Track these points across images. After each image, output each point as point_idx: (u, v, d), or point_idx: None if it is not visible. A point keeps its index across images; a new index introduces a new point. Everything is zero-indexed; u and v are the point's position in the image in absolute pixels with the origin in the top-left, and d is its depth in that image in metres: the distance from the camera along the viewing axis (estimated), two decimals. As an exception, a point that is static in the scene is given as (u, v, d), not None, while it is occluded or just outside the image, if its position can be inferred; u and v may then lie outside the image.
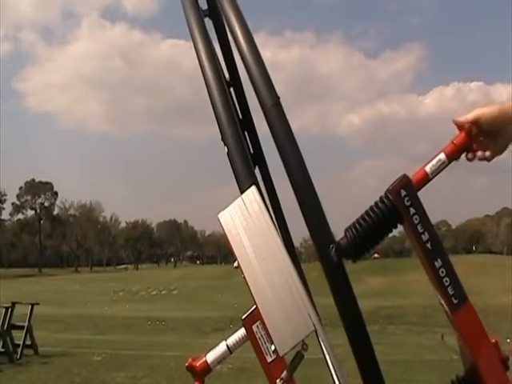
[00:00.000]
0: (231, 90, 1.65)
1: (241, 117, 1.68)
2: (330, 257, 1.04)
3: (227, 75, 1.66)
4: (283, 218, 1.77)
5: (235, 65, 1.66)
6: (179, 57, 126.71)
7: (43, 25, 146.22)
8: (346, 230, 1.07)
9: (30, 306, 10.89)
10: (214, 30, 1.57)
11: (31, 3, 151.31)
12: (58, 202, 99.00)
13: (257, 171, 1.67)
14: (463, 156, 1.12)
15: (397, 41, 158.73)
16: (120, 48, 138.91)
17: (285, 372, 0.97)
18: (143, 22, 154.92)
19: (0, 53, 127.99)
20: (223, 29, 1.59)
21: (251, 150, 1.69)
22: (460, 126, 1.12)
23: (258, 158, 1.72)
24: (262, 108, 1.15)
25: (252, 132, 1.72)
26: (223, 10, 1.28)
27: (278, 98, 1.15)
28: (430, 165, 1.09)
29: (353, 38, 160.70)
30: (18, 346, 10.01)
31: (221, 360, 1.07)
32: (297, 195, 1.09)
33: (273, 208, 1.72)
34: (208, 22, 1.49)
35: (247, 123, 1.71)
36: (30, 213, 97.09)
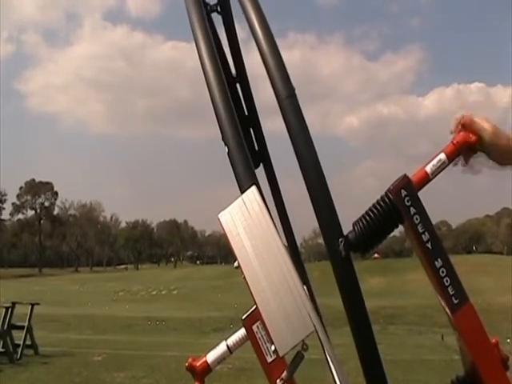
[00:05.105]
0: (237, 86, 1.63)
1: (246, 113, 1.67)
2: (337, 250, 1.04)
3: (234, 71, 1.65)
4: (286, 214, 1.76)
5: (242, 60, 1.65)
6: (180, 58, 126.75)
7: (45, 26, 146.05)
8: (354, 224, 1.07)
9: (30, 306, 10.87)
10: (221, 25, 1.55)
11: (34, 5, 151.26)
12: (58, 202, 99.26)
13: (261, 168, 1.67)
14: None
15: (397, 42, 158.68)
16: (122, 50, 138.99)
17: (285, 372, 0.97)
18: (145, 23, 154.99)
19: (2, 54, 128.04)
20: (232, 23, 1.58)
21: (256, 147, 1.68)
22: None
23: (263, 155, 1.71)
24: (277, 99, 1.14)
25: (257, 129, 1.70)
26: (240, 2, 1.26)
27: (294, 89, 1.14)
28: (430, 165, 1.09)
29: (354, 39, 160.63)
30: (18, 345, 9.98)
31: (221, 360, 1.07)
32: (308, 187, 1.08)
33: (276, 205, 1.71)
34: (216, 18, 1.48)
35: (253, 120, 1.69)
36: (30, 213, 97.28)
